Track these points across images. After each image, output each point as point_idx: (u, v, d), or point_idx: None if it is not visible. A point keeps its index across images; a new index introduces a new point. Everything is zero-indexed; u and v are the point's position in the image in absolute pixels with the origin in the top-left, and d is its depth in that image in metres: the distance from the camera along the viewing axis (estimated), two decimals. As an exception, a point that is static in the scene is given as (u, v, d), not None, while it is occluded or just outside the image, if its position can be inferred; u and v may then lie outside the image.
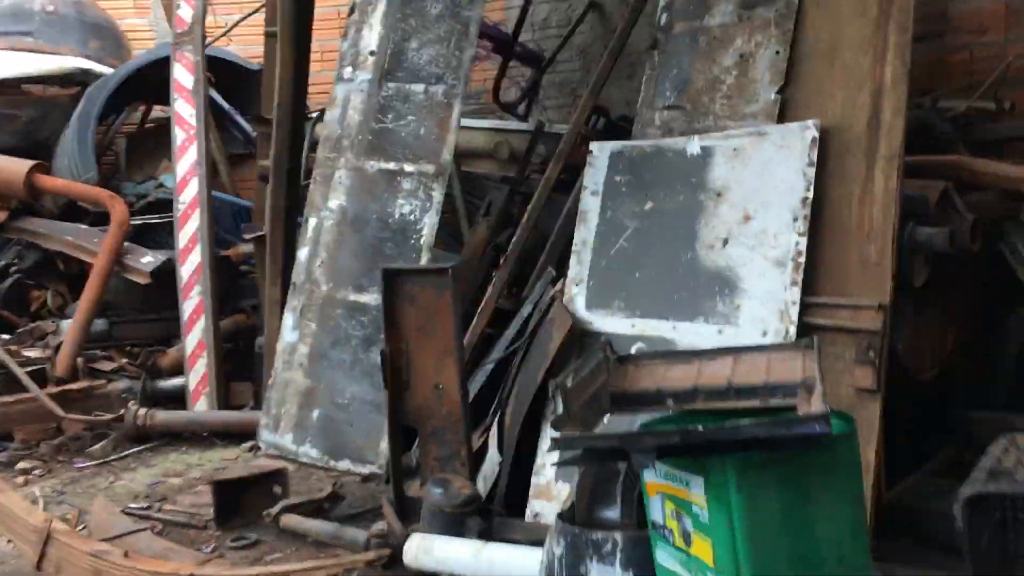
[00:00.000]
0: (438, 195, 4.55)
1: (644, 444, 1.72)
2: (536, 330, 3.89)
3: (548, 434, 3.61)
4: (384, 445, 4.33)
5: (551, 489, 3.54)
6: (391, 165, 4.70)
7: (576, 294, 3.76)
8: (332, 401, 4.55)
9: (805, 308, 3.21)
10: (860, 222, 3.23)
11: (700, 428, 1.70)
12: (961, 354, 3.86)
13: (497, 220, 5.12)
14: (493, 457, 3.77)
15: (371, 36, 4.94)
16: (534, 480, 3.60)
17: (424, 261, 4.47)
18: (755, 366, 2.13)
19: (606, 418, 2.23)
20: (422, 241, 4.52)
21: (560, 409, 1.90)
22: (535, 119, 5.82)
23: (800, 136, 3.35)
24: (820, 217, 3.29)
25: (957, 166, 3.60)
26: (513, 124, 5.76)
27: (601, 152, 3.87)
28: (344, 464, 4.44)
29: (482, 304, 4.44)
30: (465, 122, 4.82)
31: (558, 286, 4.00)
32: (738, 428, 1.69)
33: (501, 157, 5.59)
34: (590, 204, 3.83)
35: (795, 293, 3.22)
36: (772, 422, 1.72)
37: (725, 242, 3.45)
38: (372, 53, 4.89)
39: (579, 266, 3.79)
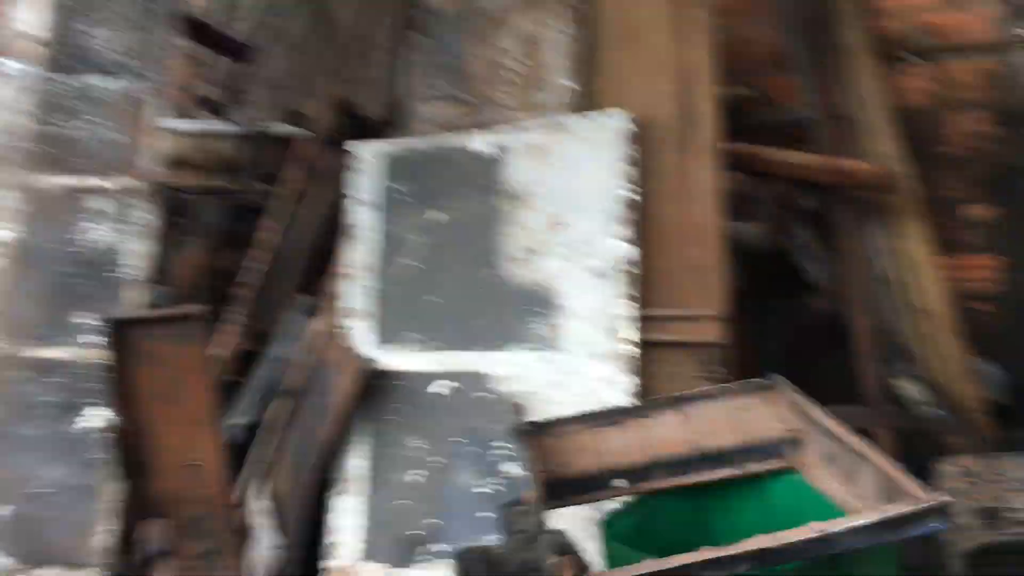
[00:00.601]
0: (141, 215, 3.65)
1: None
2: (306, 378, 3.17)
3: (341, 507, 2.94)
4: (99, 539, 3.40)
5: (355, 573, 2.88)
6: (72, 180, 3.71)
7: (355, 328, 3.10)
8: (24, 492, 3.49)
9: (639, 323, 2.83)
10: (680, 222, 2.91)
11: (773, 547, 1.18)
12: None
13: (213, 241, 4.24)
14: (271, 540, 3.01)
15: (23, 13, 3.88)
16: (331, 564, 2.91)
17: (132, 301, 3.55)
18: (713, 421, 1.66)
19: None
20: (124, 274, 3.60)
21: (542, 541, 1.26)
22: (242, 119, 4.95)
23: (608, 127, 2.94)
24: (639, 219, 2.92)
25: (748, 155, 3.39)
26: (217, 126, 4.85)
27: (367, 154, 3.22)
28: (51, 573, 3.41)
29: (220, 348, 3.60)
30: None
31: (323, 320, 3.31)
32: (827, 538, 1.19)
33: (205, 166, 4.67)
34: (360, 217, 3.17)
35: (625, 306, 2.82)
36: (874, 527, 1.25)
37: (532, 254, 2.97)
38: (27, 35, 3.84)
39: (354, 293, 3.12)
